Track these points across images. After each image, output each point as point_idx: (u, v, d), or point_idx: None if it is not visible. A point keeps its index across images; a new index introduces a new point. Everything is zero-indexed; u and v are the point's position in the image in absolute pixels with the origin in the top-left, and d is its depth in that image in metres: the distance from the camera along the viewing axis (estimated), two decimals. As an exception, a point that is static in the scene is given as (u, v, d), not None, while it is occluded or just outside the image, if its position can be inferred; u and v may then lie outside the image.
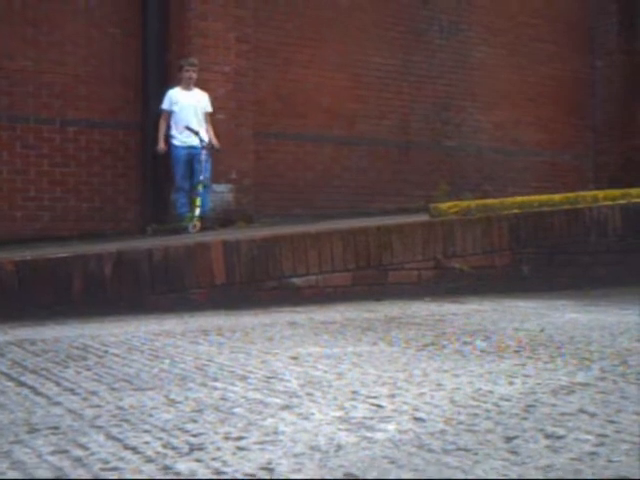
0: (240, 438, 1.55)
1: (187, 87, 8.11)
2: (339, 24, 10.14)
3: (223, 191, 8.37)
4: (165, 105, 8.09)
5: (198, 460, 1.41)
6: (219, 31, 8.85)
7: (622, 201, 5.92)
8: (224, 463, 1.38)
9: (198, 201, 7.95)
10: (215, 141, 8.15)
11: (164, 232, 7.80)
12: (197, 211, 7.89)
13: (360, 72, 10.31)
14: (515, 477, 1.28)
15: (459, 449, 1.44)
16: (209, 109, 8.19)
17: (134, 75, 8.98)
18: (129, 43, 8.97)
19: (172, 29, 8.93)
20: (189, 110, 8.04)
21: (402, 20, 10.69)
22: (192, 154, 8.01)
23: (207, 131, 8.14)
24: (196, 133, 7.93)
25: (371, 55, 10.39)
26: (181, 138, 8.03)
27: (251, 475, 1.31)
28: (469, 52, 11.26)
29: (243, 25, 9.07)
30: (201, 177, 7.96)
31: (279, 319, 3.74)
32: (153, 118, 8.80)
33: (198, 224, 7.76)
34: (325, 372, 2.24)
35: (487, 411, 1.73)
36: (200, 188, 7.96)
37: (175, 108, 8.03)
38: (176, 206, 8.20)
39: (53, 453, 1.47)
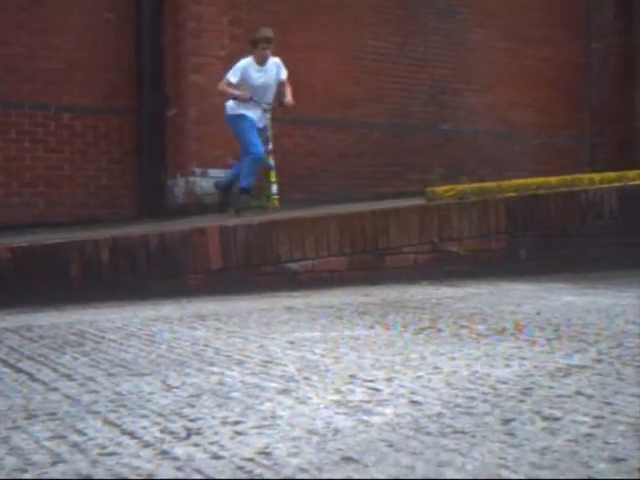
0: (237, 422, 1.55)
1: (262, 62, 7.17)
2: (334, 7, 10.08)
3: (220, 176, 8.31)
4: (233, 78, 7.01)
5: (196, 445, 1.41)
6: (213, 15, 8.79)
7: (618, 183, 5.91)
8: (222, 447, 1.38)
9: (273, 176, 7.05)
10: (290, 99, 7.23)
11: (249, 213, 6.77)
12: (274, 188, 6.99)
13: (356, 55, 10.25)
14: (512, 459, 1.28)
15: (456, 432, 1.44)
16: (283, 77, 7.25)
17: (128, 60, 8.93)
18: (123, 27, 8.91)
19: (166, 13, 8.88)
20: (262, 88, 7.15)
21: (398, 3, 10.63)
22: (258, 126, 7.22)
23: (286, 96, 7.22)
24: (264, 109, 7.16)
25: (367, 38, 10.33)
26: (249, 112, 7.15)
27: (249, 459, 1.31)
28: (465, 35, 11.20)
29: (237, 9, 9.01)
30: (269, 147, 7.16)
31: (276, 304, 3.74)
32: (148, 103, 8.76)
33: (277, 200, 6.91)
34: (322, 356, 2.24)
35: (484, 394, 1.73)
36: (271, 160, 7.09)
37: (247, 84, 7.06)
38: (248, 181, 7.08)
39: (51, 439, 1.47)
